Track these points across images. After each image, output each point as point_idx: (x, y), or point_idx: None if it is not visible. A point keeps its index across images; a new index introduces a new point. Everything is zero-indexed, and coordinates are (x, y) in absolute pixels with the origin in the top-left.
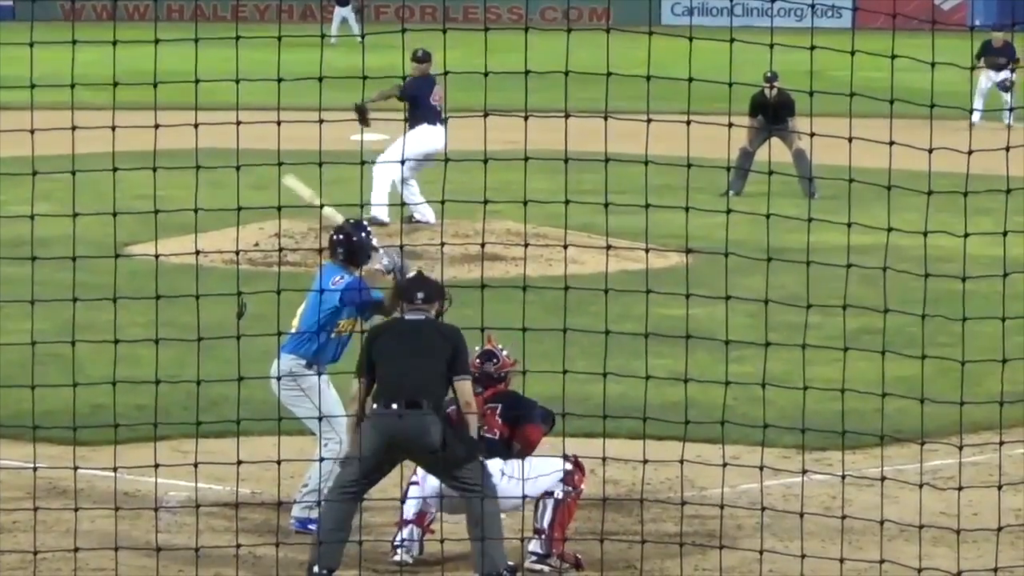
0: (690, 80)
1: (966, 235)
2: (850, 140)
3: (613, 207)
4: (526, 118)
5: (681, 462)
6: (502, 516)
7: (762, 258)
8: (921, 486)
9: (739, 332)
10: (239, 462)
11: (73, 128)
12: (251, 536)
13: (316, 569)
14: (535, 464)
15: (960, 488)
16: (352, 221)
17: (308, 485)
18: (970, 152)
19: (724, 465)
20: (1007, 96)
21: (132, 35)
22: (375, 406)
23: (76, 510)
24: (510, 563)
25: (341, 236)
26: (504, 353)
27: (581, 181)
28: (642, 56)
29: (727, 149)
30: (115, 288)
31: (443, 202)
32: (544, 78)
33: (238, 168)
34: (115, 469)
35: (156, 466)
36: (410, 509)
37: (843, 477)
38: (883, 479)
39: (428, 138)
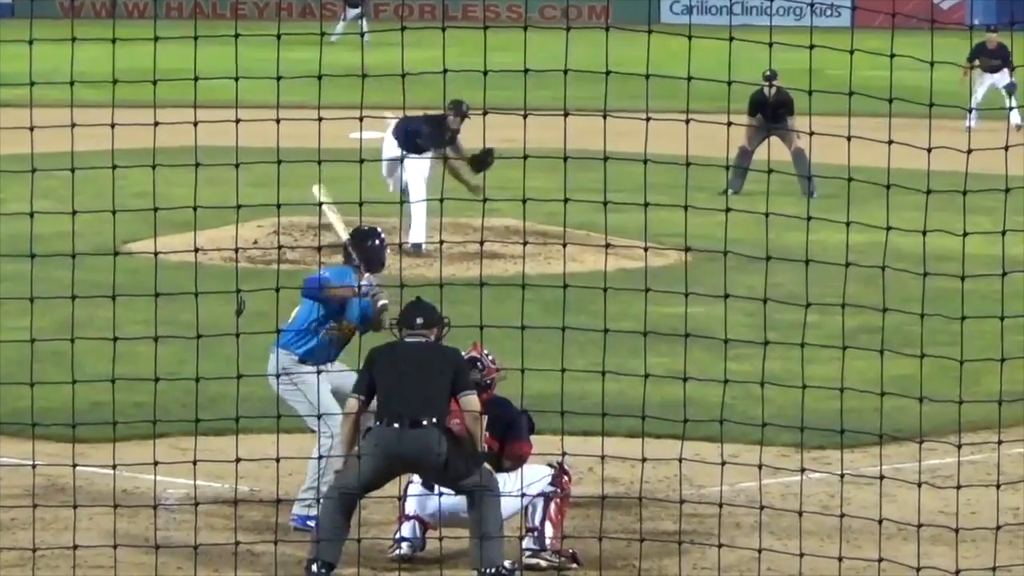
0: (689, 79)
1: (965, 234)
2: (849, 139)
3: (612, 205)
4: (525, 116)
5: (679, 460)
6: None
7: (761, 257)
8: (920, 485)
9: (738, 331)
10: (238, 460)
11: (72, 125)
12: (250, 533)
13: (315, 568)
14: (524, 474)
15: (958, 487)
16: (367, 228)
17: (307, 483)
18: (969, 151)
19: (723, 463)
20: (1013, 100)
21: (131, 33)
22: (377, 424)
23: (75, 507)
24: (507, 562)
25: (357, 242)
26: (489, 359)
27: (580, 179)
28: (641, 54)
29: (726, 148)
30: (114, 285)
31: (442, 200)
32: (543, 76)
33: (237, 166)
34: (114, 466)
35: (155, 463)
36: (411, 505)
37: (841, 476)
38: (881, 478)
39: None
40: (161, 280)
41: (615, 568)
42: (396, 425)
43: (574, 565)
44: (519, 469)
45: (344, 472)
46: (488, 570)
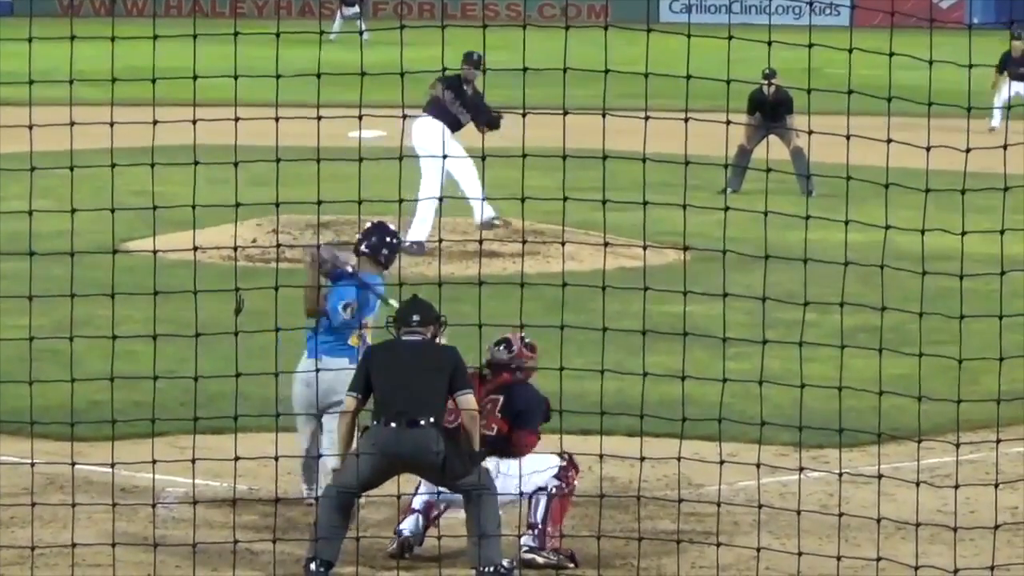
0: (688, 77)
1: (964, 233)
2: (848, 138)
3: (611, 204)
4: (524, 115)
5: (678, 459)
6: (500, 513)
7: (760, 256)
8: (918, 484)
9: (736, 329)
10: (236, 458)
11: (71, 124)
12: (248, 532)
13: (313, 567)
14: (530, 461)
15: (957, 486)
16: (378, 222)
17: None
18: (968, 150)
19: (721, 462)
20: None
21: (130, 31)
22: (374, 423)
23: (74, 506)
24: (506, 560)
25: (381, 238)
26: (524, 342)
27: (579, 178)
28: (640, 53)
29: (725, 147)
30: (113, 284)
31: (441, 199)
32: (542, 75)
33: (236, 164)
34: (112, 465)
35: (153, 462)
36: (419, 500)
37: (840, 475)
38: (880, 477)
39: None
40: (160, 279)
41: (613, 567)
42: (394, 424)
43: (571, 565)
44: (527, 456)
45: (342, 471)
46: (486, 569)
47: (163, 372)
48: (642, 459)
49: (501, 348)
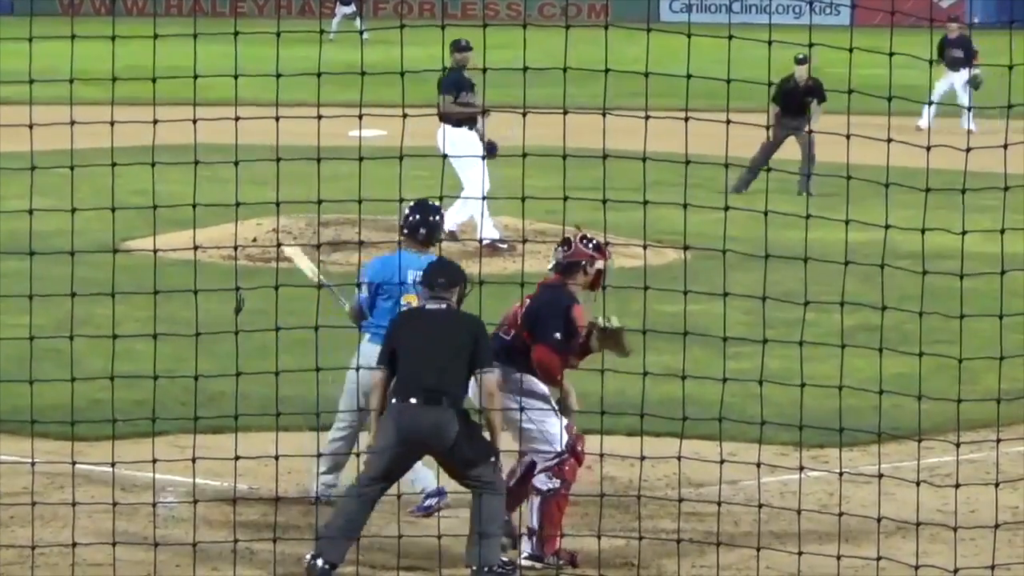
0: (688, 77)
1: (964, 232)
2: (848, 137)
3: (611, 203)
4: (524, 114)
5: (678, 459)
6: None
7: (760, 255)
8: (918, 483)
9: (736, 329)
10: (237, 457)
11: (72, 123)
12: (248, 531)
13: (319, 563)
14: (550, 422)
15: (957, 485)
16: (418, 200)
17: (415, 482)
18: (968, 149)
19: (721, 462)
20: (966, 96)
21: (130, 30)
22: (394, 400)
23: (74, 505)
24: (504, 559)
25: (419, 216)
26: (590, 244)
27: (579, 177)
28: (641, 52)
29: (725, 146)
30: (113, 283)
31: (440, 198)
32: (542, 74)
33: (236, 164)
34: (113, 464)
35: (154, 461)
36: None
37: (840, 474)
38: (880, 476)
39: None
40: (160, 278)
41: (614, 567)
42: (413, 400)
43: (572, 567)
44: (549, 413)
45: (367, 463)
46: (484, 569)
47: (163, 371)
48: (642, 458)
49: (559, 249)
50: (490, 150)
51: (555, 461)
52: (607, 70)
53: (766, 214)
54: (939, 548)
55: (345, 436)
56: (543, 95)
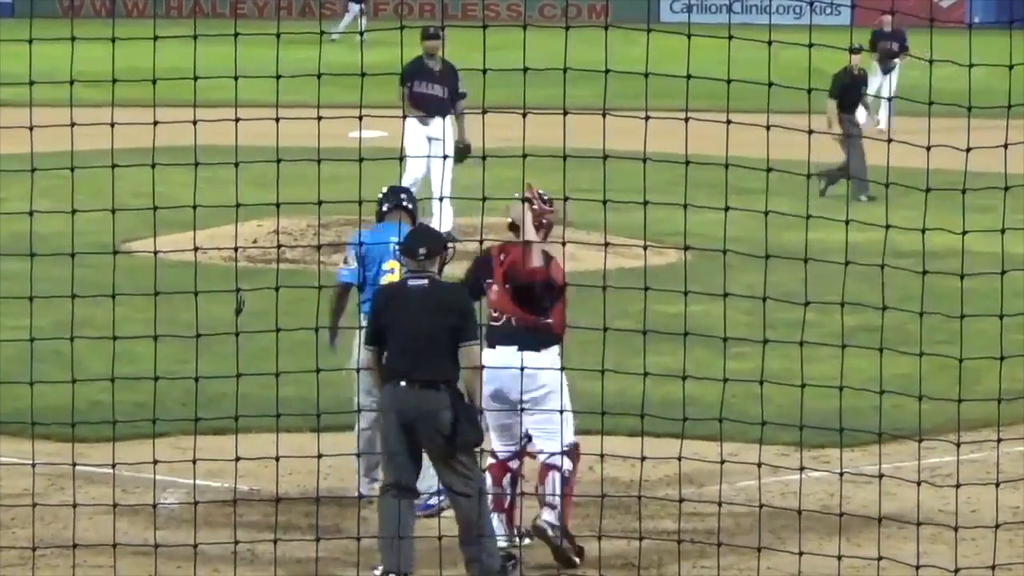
0: (688, 77)
1: (964, 232)
2: (847, 137)
3: (611, 204)
4: (524, 115)
5: (679, 459)
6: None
7: (760, 255)
8: (919, 483)
9: (737, 329)
10: (237, 459)
11: (72, 125)
12: (249, 532)
13: None
14: (565, 416)
15: (958, 485)
16: (392, 186)
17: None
18: (968, 149)
19: (722, 462)
20: (890, 87)
21: (131, 32)
22: (387, 384)
23: (74, 506)
24: (502, 554)
25: (391, 192)
26: (545, 199)
27: (579, 178)
28: (641, 53)
29: (725, 146)
30: (114, 285)
31: (440, 199)
32: (542, 75)
33: (237, 165)
34: (113, 465)
35: (154, 462)
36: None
37: (841, 474)
38: (881, 476)
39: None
40: (160, 279)
41: (614, 567)
42: (403, 384)
43: (576, 559)
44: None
45: (383, 471)
46: (489, 574)
47: (164, 373)
48: (643, 459)
49: (513, 207)
50: (461, 151)
51: (569, 449)
52: (607, 71)
53: (766, 214)
54: (940, 548)
55: (371, 425)
56: (543, 95)
